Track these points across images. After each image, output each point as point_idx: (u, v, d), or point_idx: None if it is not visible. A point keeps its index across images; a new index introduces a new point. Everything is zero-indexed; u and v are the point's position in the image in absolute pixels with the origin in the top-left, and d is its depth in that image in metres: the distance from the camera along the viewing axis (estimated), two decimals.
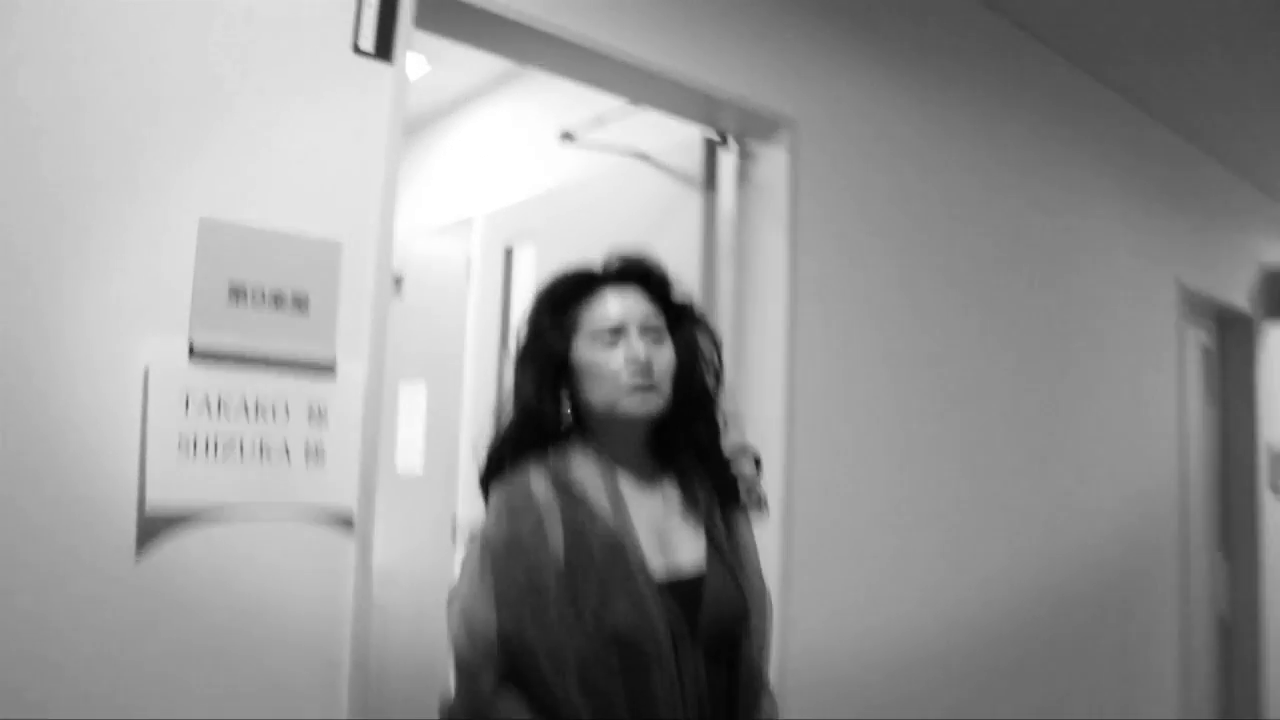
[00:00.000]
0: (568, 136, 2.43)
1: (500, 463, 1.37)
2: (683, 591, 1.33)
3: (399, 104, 1.57)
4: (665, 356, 1.38)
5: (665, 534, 1.38)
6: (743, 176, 2.20)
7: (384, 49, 1.55)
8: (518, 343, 1.41)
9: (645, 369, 1.34)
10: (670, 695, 1.26)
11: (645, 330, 1.37)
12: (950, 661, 2.48)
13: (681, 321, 1.43)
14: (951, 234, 2.61)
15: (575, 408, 1.40)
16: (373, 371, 1.51)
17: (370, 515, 1.51)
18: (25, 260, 1.23)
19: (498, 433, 1.39)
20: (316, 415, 1.42)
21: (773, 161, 2.15)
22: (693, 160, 2.22)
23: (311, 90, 1.49)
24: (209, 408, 1.31)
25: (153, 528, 1.29)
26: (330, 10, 1.51)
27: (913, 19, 2.51)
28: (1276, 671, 3.95)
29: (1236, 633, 4.00)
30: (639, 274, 1.42)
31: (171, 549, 1.31)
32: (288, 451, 1.40)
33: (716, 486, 1.45)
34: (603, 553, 1.29)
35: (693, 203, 2.20)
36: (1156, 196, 3.52)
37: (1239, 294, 4.03)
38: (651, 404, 1.35)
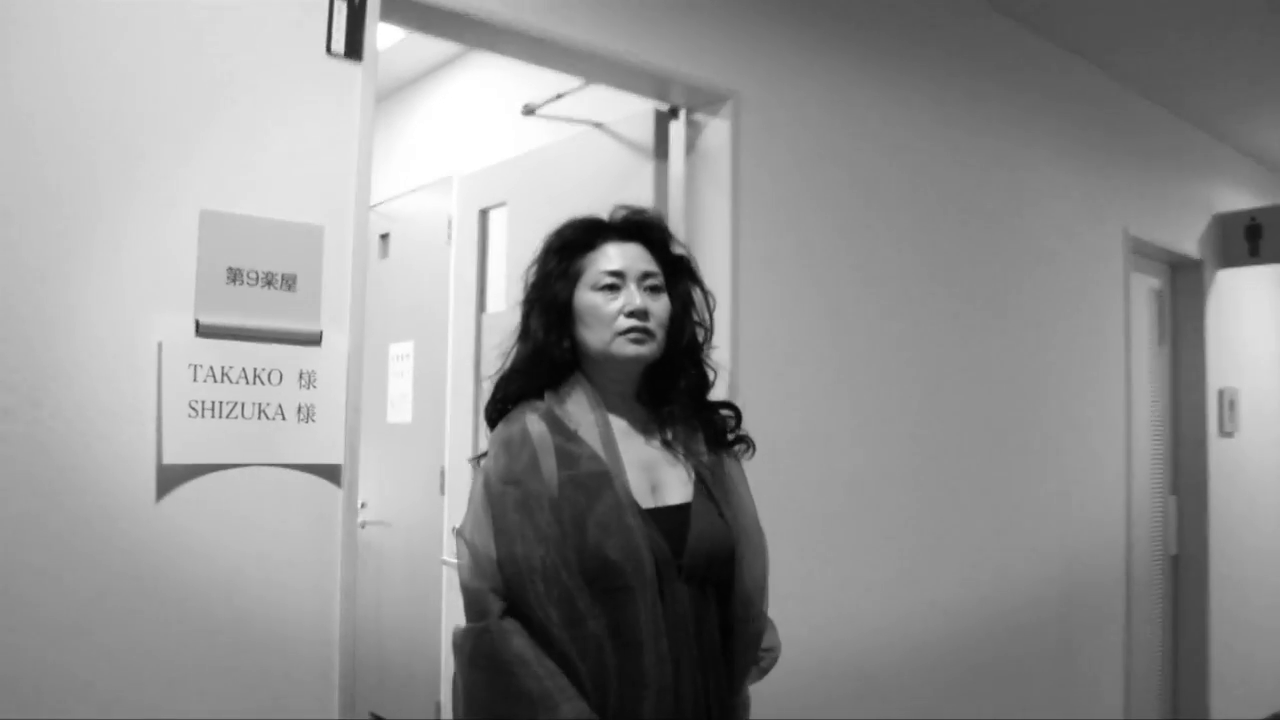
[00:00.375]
0: (529, 110, 2.64)
1: (505, 400, 1.51)
2: (668, 520, 1.45)
3: (368, 98, 1.78)
4: (661, 306, 1.51)
5: (654, 470, 1.50)
6: (690, 146, 2.41)
7: (354, 50, 1.75)
8: (525, 286, 1.55)
9: (641, 316, 1.47)
10: (653, 619, 1.37)
11: (643, 280, 1.50)
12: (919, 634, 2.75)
13: (679, 275, 1.57)
14: (896, 194, 2.82)
15: (575, 350, 1.52)
16: (354, 340, 1.74)
17: (355, 467, 1.75)
18: (44, 252, 1.44)
19: (503, 372, 1.53)
20: (306, 380, 1.65)
21: (717, 131, 2.36)
22: (645, 131, 2.43)
23: (292, 90, 1.70)
24: (214, 376, 1.54)
25: (169, 478, 1.53)
26: (304, 17, 1.71)
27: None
28: (1218, 600, 4.25)
29: (1184, 564, 4.29)
30: (641, 228, 1.55)
31: (185, 496, 1.55)
32: (282, 412, 1.63)
33: (706, 430, 1.57)
34: (592, 484, 1.40)
35: (645, 170, 2.42)
36: (1104, 150, 3.72)
37: (1190, 241, 4.24)
38: (645, 349, 1.48)
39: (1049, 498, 3.35)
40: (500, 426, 1.48)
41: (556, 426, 1.45)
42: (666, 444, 1.55)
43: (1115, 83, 3.78)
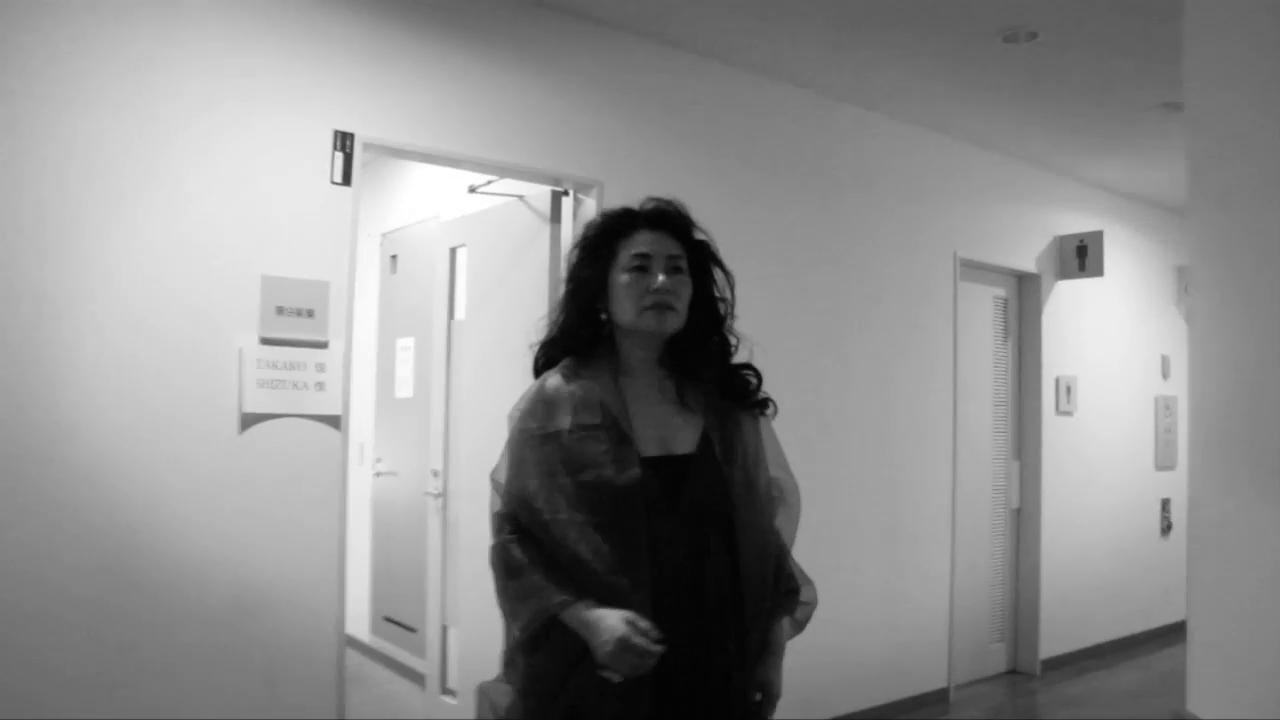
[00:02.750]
0: (472, 189, 4.07)
1: (545, 363, 1.87)
2: (670, 468, 1.75)
3: (355, 207, 3.21)
4: (683, 284, 1.81)
5: (665, 425, 1.79)
6: (576, 214, 3.79)
7: (346, 180, 3.18)
8: (568, 267, 1.89)
9: (664, 292, 1.76)
10: (642, 548, 1.67)
11: (668, 262, 1.79)
12: None
13: (702, 259, 1.87)
14: (740, 243, 4.16)
15: (610, 323, 1.84)
16: (346, 345, 3.17)
17: (348, 418, 3.18)
18: (190, 301, 2.90)
19: (545, 339, 1.89)
20: (318, 368, 3.09)
21: (591, 205, 3.74)
22: (546, 204, 3.83)
23: (314, 203, 3.13)
24: (270, 365, 2.99)
25: (247, 421, 2.97)
26: (317, 161, 3.14)
27: (681, 95, 4.03)
28: (1049, 543, 5.55)
29: (1024, 517, 5.60)
30: (666, 218, 1.85)
31: (256, 431, 2.99)
32: (306, 385, 3.07)
33: (728, 393, 1.86)
34: (600, 432, 1.72)
35: (546, 230, 3.82)
36: (938, 193, 5.02)
37: (1029, 259, 5.53)
38: (668, 322, 1.78)
39: (879, 479, 4.68)
40: (531, 385, 1.85)
41: (577, 384, 1.78)
42: (683, 403, 1.82)
43: (955, 141, 5.08)
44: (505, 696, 1.83)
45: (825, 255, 4.52)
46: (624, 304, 1.79)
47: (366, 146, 3.24)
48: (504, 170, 3.67)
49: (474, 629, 3.98)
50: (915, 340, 4.88)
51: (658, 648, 1.61)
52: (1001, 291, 5.56)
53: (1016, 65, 4.13)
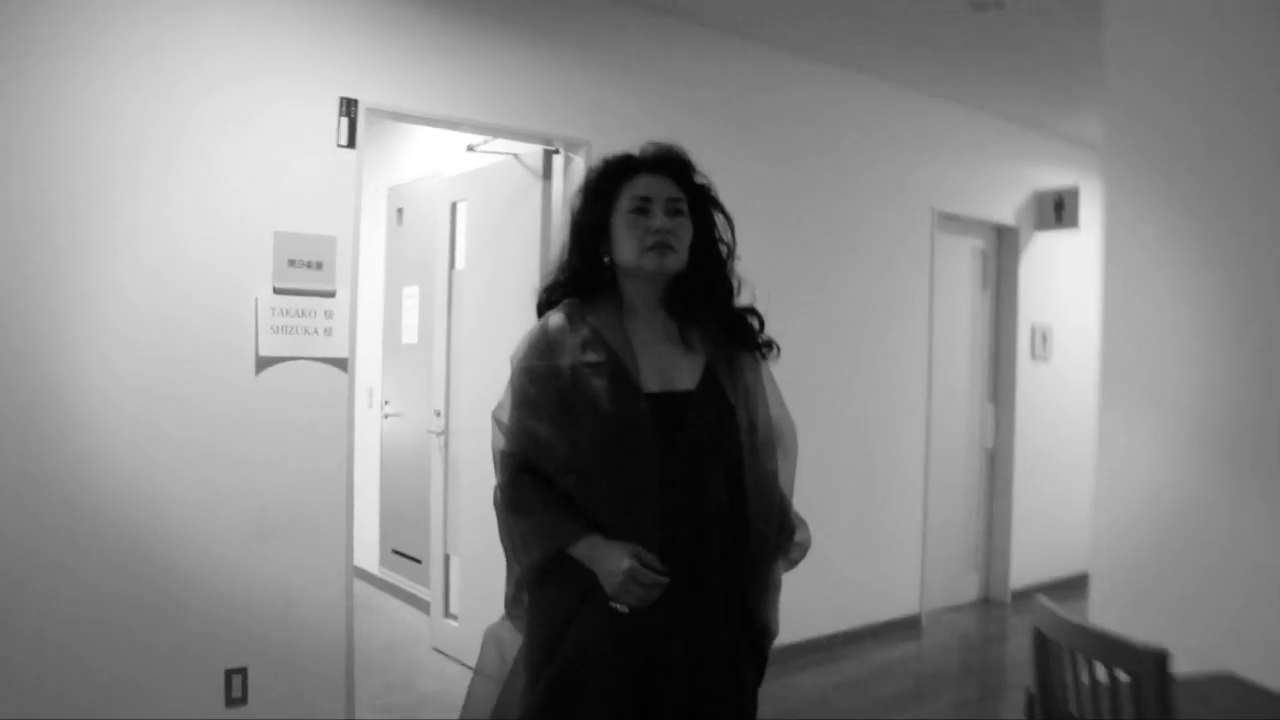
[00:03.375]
0: (470, 148, 4.36)
1: (548, 304, 1.90)
2: (671, 402, 1.77)
3: (360, 168, 3.51)
4: (683, 226, 1.84)
5: (666, 362, 1.82)
6: (566, 171, 4.09)
7: (351, 143, 3.49)
8: (572, 209, 1.92)
9: (664, 233, 1.79)
10: (648, 483, 1.70)
11: (669, 204, 1.82)
12: None
13: (703, 202, 1.90)
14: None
15: (612, 265, 1.87)
16: (352, 294, 3.50)
17: (354, 360, 3.51)
18: (210, 255, 3.23)
19: (549, 280, 1.92)
20: (327, 314, 3.42)
21: (579, 164, 4.03)
22: (538, 162, 4.13)
23: (321, 165, 3.44)
24: (283, 312, 3.32)
25: (262, 364, 3.32)
26: (326, 124, 3.44)
27: (665, 59, 4.30)
28: (1020, 479, 5.89)
29: (997, 456, 5.94)
30: (667, 162, 1.88)
31: (270, 373, 3.34)
32: (316, 331, 3.40)
33: (730, 334, 1.89)
34: (601, 368, 1.75)
35: (538, 185, 4.12)
36: (917, 149, 5.29)
37: (1008, 212, 5.80)
38: (669, 262, 1.81)
39: (855, 418, 5.01)
40: (534, 324, 1.87)
41: (579, 323, 1.82)
42: (685, 341, 1.85)
43: (936, 100, 5.33)
44: (512, 635, 1.88)
45: (805, 210, 4.80)
46: (625, 245, 1.82)
47: (370, 111, 3.54)
48: (498, 131, 3.97)
49: (473, 558, 4.35)
50: (892, 289, 5.18)
51: (664, 579, 1.68)
52: (980, 243, 5.84)
53: (986, 32, 4.38)
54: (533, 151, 4.15)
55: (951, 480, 5.71)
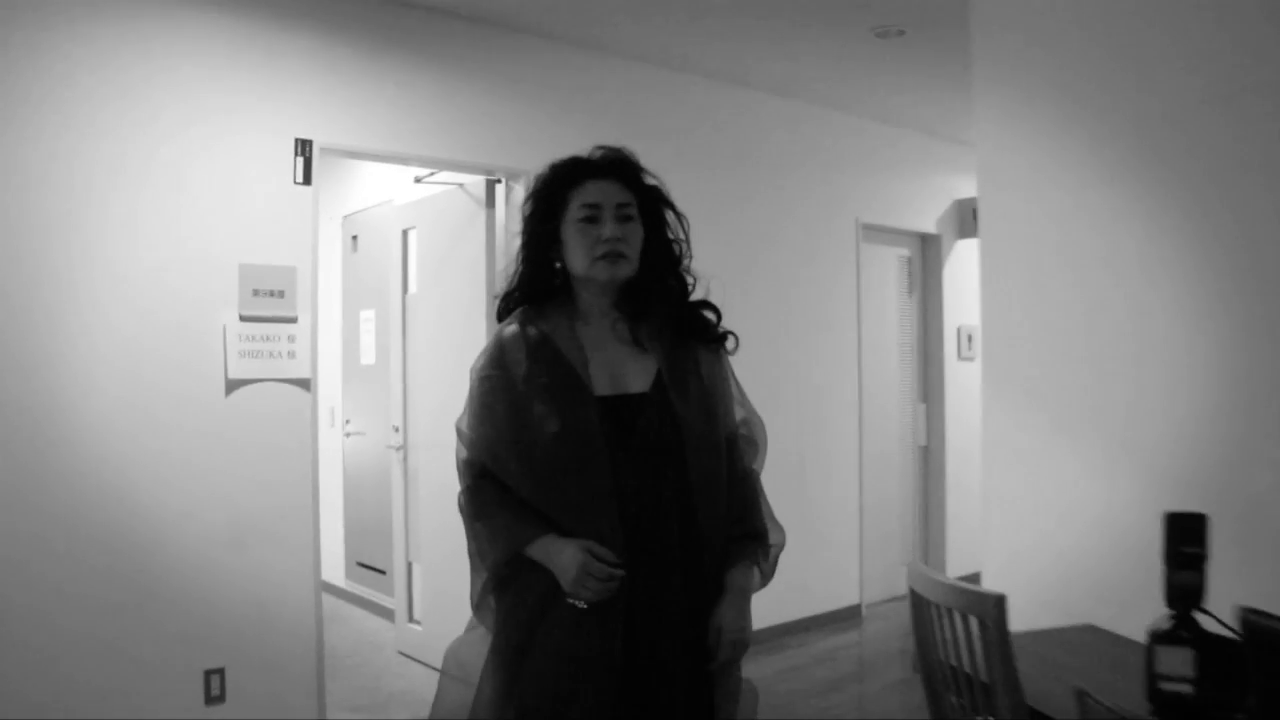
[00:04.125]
0: (418, 179, 4.70)
1: (504, 313, 1.94)
2: (622, 407, 1.81)
3: (315, 203, 3.84)
4: (633, 232, 1.86)
5: (618, 366, 1.85)
6: (507, 199, 4.43)
7: (307, 180, 3.81)
8: (523, 215, 1.94)
9: (614, 241, 1.82)
10: (602, 486, 1.75)
11: (618, 210, 1.84)
12: None
13: (654, 202, 1.93)
14: None
15: (564, 271, 1.90)
16: (311, 319, 3.81)
17: (316, 381, 3.83)
18: (183, 288, 3.53)
19: (504, 290, 1.95)
20: (289, 339, 3.74)
21: (519, 191, 4.37)
22: (481, 191, 4.47)
23: (280, 201, 3.75)
24: (249, 339, 3.63)
25: (231, 385, 3.62)
26: (283, 163, 3.76)
27: (600, 91, 4.67)
28: (952, 474, 6.29)
29: (930, 453, 6.34)
30: (615, 165, 1.91)
31: (239, 394, 3.64)
32: (280, 355, 3.72)
33: (686, 330, 1.91)
34: (554, 375, 1.80)
35: (482, 214, 4.46)
36: (844, 162, 5.68)
37: (930, 221, 6.22)
38: (620, 271, 1.84)
39: (788, 420, 5.38)
40: (491, 337, 1.92)
41: (532, 332, 1.85)
42: (638, 343, 1.88)
43: (859, 119, 5.74)
44: (474, 647, 1.91)
45: (736, 224, 5.18)
46: (576, 254, 1.85)
47: (323, 150, 3.87)
48: (443, 164, 4.31)
49: (434, 564, 4.66)
50: (819, 297, 5.57)
51: (618, 571, 1.72)
52: (905, 251, 6.25)
53: (893, 56, 4.78)
54: (476, 181, 4.48)
55: (887, 477, 6.10)
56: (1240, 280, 2.52)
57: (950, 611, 2.20)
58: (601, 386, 1.82)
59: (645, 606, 1.77)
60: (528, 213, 1.94)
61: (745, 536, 1.91)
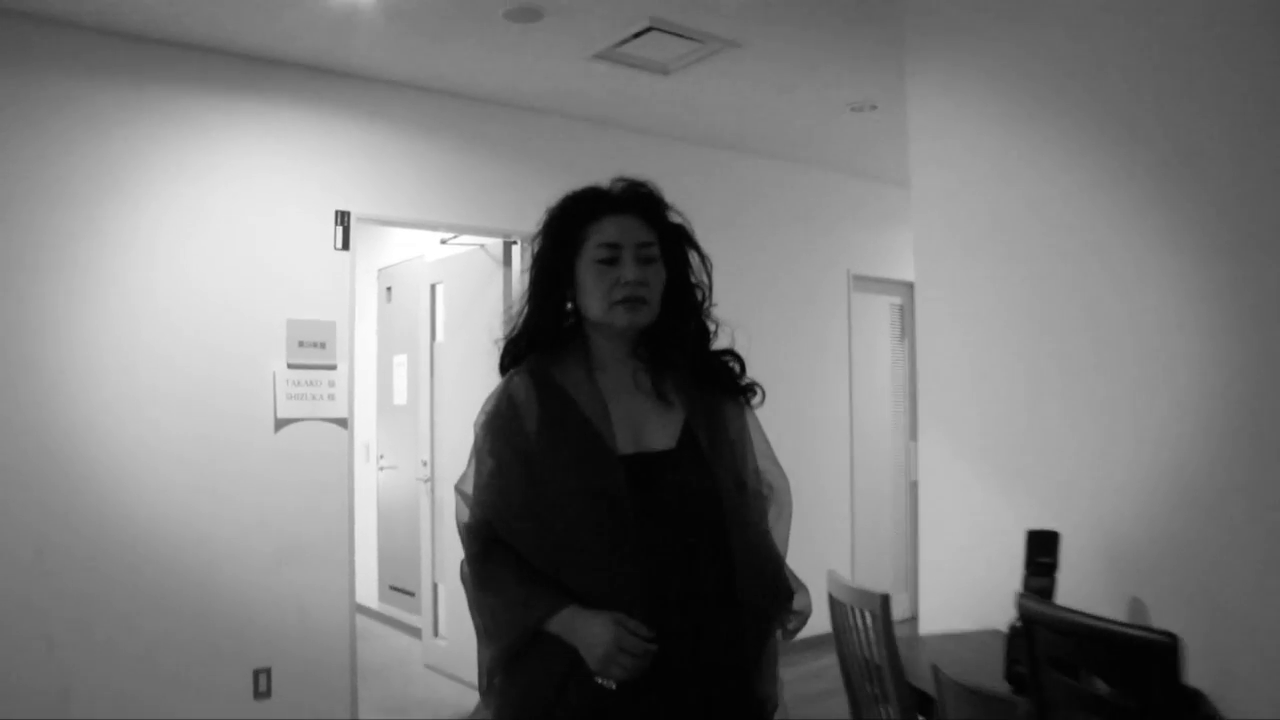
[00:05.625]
0: (443, 241, 5.35)
1: (513, 357, 1.76)
2: (647, 466, 1.64)
3: (353, 266, 4.48)
4: (655, 274, 1.70)
5: (640, 420, 1.69)
6: (523, 259, 5.05)
7: (345, 246, 4.46)
8: (533, 254, 1.79)
9: (635, 286, 1.67)
10: (626, 553, 1.58)
11: (639, 250, 1.69)
12: None
13: (676, 242, 1.78)
14: None
15: (577, 313, 1.74)
16: (349, 367, 4.45)
17: (353, 420, 4.45)
18: (240, 339, 4.18)
19: (511, 334, 1.78)
20: (329, 384, 4.37)
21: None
22: (500, 252, 5.10)
23: (322, 265, 4.40)
24: (295, 383, 4.27)
25: (279, 424, 4.26)
26: (325, 231, 4.42)
27: (605, 159, 5.28)
28: None
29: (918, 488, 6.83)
30: (638, 200, 1.75)
31: (286, 431, 4.27)
32: (321, 397, 4.35)
33: (709, 381, 1.76)
34: (573, 432, 1.64)
35: (500, 272, 5.09)
36: (831, 217, 6.25)
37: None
38: (639, 317, 1.68)
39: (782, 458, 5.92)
40: (495, 388, 1.72)
41: (545, 383, 1.68)
42: (660, 395, 1.71)
43: (851, 178, 6.32)
44: None
45: (732, 281, 5.72)
46: (592, 297, 1.69)
47: (359, 219, 4.52)
48: (463, 229, 4.96)
49: (457, 584, 5.23)
50: (812, 344, 6.13)
51: (652, 646, 1.55)
52: (897, 299, 6.80)
53: (869, 126, 5.37)
54: (495, 243, 5.12)
55: (879, 510, 6.61)
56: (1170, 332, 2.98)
57: (854, 609, 2.75)
58: (625, 443, 1.67)
59: (678, 685, 1.61)
60: (539, 249, 1.79)
61: (774, 601, 1.76)
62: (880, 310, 6.71)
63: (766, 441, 1.85)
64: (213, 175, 4.16)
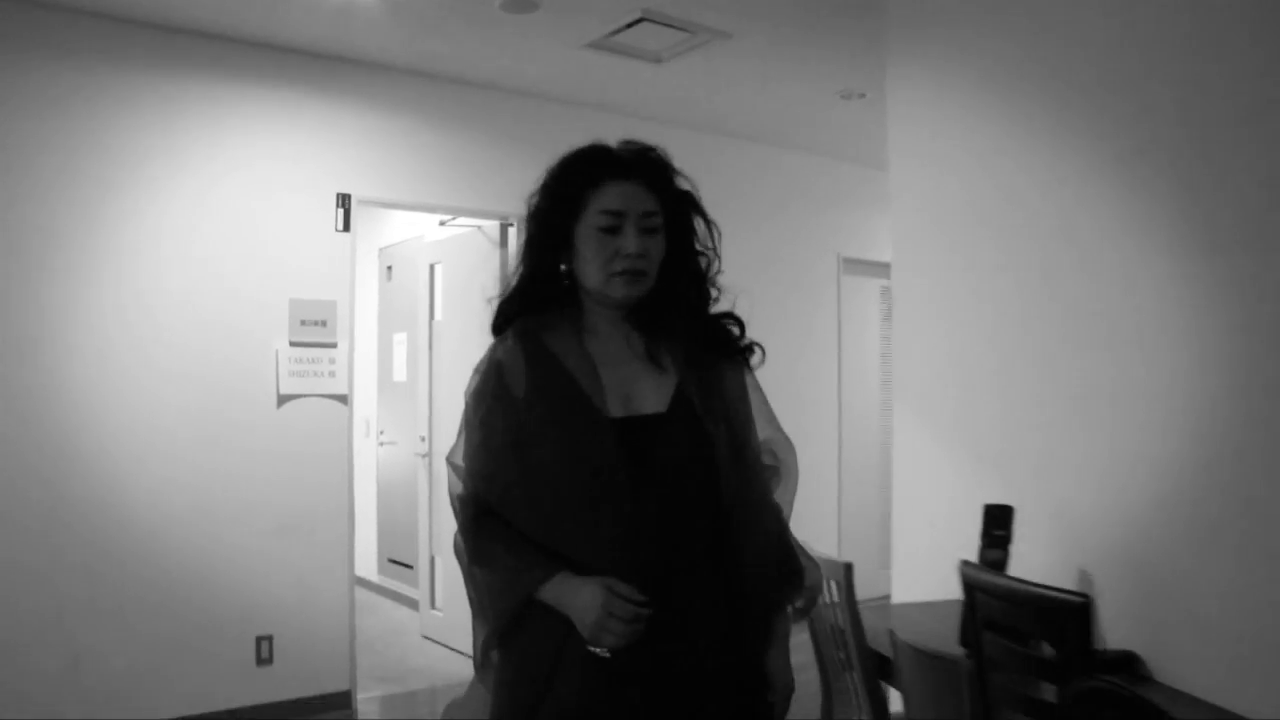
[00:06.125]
0: (442, 223, 5.51)
1: (505, 318, 1.74)
2: (639, 428, 1.62)
3: (354, 248, 4.65)
4: (656, 246, 1.66)
5: (632, 384, 1.66)
6: (518, 240, 5.20)
7: (346, 227, 4.62)
8: (529, 211, 1.74)
9: (636, 258, 1.63)
10: (620, 519, 1.56)
11: (643, 220, 1.64)
12: None
13: (682, 207, 1.73)
14: None
15: (572, 275, 1.70)
16: (349, 344, 4.62)
17: (352, 397, 4.63)
18: (248, 318, 4.35)
19: (504, 294, 1.76)
20: (330, 360, 4.54)
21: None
22: (496, 233, 5.26)
23: (324, 246, 4.57)
24: (297, 360, 4.44)
25: (282, 400, 4.43)
26: (326, 216, 4.58)
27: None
28: None
29: None
30: (644, 165, 1.70)
31: (288, 407, 4.45)
32: (322, 374, 4.52)
33: (708, 344, 1.72)
34: (560, 395, 1.62)
35: (496, 253, 5.25)
36: (822, 201, 6.41)
37: None
38: (637, 290, 1.65)
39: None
40: (484, 355, 1.70)
41: (533, 347, 1.65)
42: (654, 359, 1.68)
43: (842, 162, 6.47)
44: (473, 710, 1.77)
45: (724, 263, 5.90)
46: (591, 265, 1.65)
47: (360, 202, 4.68)
48: (462, 211, 5.12)
49: (453, 558, 5.42)
50: (802, 326, 6.30)
51: (645, 611, 1.53)
52: (885, 282, 6.93)
53: (859, 114, 5.51)
54: (491, 225, 5.28)
55: (865, 489, 6.79)
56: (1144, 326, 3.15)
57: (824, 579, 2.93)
58: (615, 408, 1.64)
59: (676, 657, 1.58)
60: (536, 206, 1.75)
61: (780, 575, 1.72)
62: (869, 293, 6.86)
63: (768, 406, 1.82)
64: (217, 160, 4.32)
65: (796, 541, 1.78)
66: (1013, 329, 3.35)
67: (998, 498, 2.97)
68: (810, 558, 1.78)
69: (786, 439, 1.83)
